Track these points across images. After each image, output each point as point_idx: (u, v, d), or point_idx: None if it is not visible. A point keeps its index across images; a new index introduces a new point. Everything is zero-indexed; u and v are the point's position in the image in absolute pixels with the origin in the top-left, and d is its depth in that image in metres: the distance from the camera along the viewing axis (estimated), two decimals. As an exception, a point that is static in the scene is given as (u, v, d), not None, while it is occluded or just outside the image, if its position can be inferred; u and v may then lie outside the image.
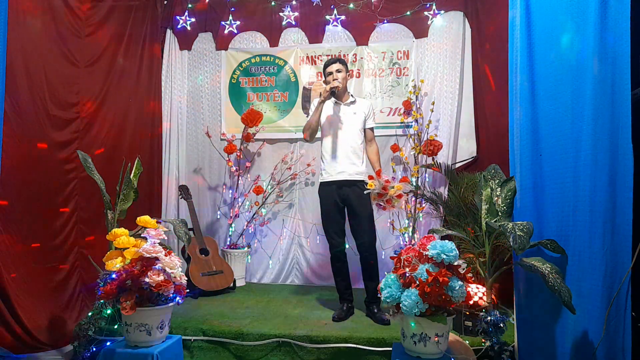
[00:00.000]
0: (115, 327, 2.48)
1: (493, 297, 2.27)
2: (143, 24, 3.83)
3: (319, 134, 2.98)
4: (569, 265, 1.91)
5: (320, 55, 4.07)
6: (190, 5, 4.20)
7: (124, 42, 3.57)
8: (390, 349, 2.25)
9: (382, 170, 2.86)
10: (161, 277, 2.12)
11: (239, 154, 4.04)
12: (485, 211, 2.22)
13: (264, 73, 4.18)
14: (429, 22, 3.90)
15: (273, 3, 4.13)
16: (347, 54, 4.02)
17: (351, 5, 4.00)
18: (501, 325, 2.05)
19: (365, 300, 2.86)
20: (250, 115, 3.91)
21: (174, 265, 2.24)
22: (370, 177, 2.73)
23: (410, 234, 3.67)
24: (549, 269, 1.85)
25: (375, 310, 2.74)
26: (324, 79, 3.00)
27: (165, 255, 2.23)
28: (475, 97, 3.77)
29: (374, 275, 2.81)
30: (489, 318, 2.06)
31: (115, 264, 2.22)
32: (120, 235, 2.27)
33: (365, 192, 2.74)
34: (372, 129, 3.00)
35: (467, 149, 3.77)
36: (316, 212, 3.20)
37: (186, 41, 4.25)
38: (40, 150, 2.72)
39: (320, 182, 2.93)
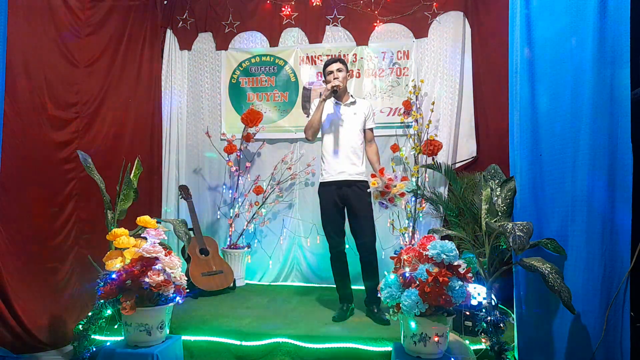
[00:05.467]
0: (115, 327, 2.48)
1: (493, 297, 2.27)
2: (143, 24, 3.83)
3: (319, 134, 2.98)
4: (568, 265, 1.91)
5: (320, 55, 4.07)
6: (190, 6, 4.21)
7: (124, 42, 3.57)
8: (390, 349, 2.25)
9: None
10: (161, 277, 2.13)
11: (239, 154, 4.05)
12: (485, 211, 2.22)
13: (264, 73, 4.18)
14: (429, 22, 3.90)
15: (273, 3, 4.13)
16: (347, 54, 4.02)
17: (351, 6, 4.00)
18: (501, 325, 2.05)
19: (365, 300, 2.86)
20: (250, 115, 3.90)
21: (174, 265, 2.25)
22: (373, 176, 2.74)
23: (410, 234, 3.67)
24: (548, 269, 1.85)
25: (375, 310, 2.74)
26: (323, 78, 3.00)
27: (165, 255, 2.24)
28: (475, 97, 3.77)
29: (374, 275, 2.81)
30: (489, 318, 2.06)
31: (115, 264, 2.23)
32: (120, 235, 2.27)
33: (367, 190, 2.75)
34: (371, 129, 3.00)
35: (467, 149, 3.77)
36: (316, 212, 3.21)
37: (186, 41, 4.25)
38: (40, 150, 2.72)
39: (320, 182, 2.93)
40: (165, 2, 4.20)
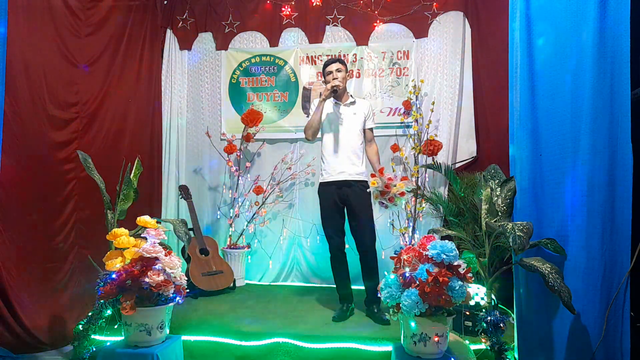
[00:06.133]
0: (115, 327, 2.48)
1: (493, 297, 2.27)
2: (143, 24, 3.83)
3: (319, 134, 2.98)
4: (568, 265, 1.92)
5: (320, 55, 4.07)
6: (190, 6, 4.21)
7: (124, 42, 3.57)
8: (390, 349, 2.25)
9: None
10: (161, 277, 2.13)
11: (238, 154, 4.05)
12: (485, 211, 2.22)
13: (264, 73, 4.18)
14: (429, 22, 3.90)
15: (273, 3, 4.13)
16: (347, 54, 4.02)
17: (351, 6, 4.00)
18: (501, 325, 2.05)
19: (365, 300, 2.86)
20: (250, 115, 3.90)
21: (174, 265, 2.25)
22: (373, 175, 2.74)
23: (410, 234, 3.67)
24: (548, 269, 1.85)
25: (375, 310, 2.74)
26: (323, 79, 3.00)
27: (165, 255, 2.24)
28: (475, 97, 3.77)
29: (374, 275, 2.81)
30: (489, 318, 2.06)
31: (115, 264, 2.23)
32: (120, 235, 2.27)
33: (367, 190, 2.75)
34: (371, 129, 3.00)
35: (467, 149, 3.77)
36: (316, 212, 3.21)
37: (186, 41, 4.25)
38: (40, 150, 2.72)
39: (320, 182, 2.93)
40: (165, 2, 4.20)
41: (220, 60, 4.23)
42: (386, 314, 2.58)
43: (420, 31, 3.92)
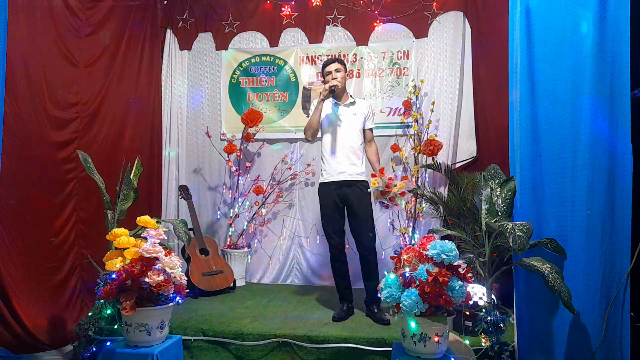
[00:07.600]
0: (115, 327, 2.48)
1: (493, 297, 2.27)
2: (143, 24, 3.83)
3: (319, 134, 2.98)
4: (568, 265, 1.91)
5: (320, 55, 4.07)
6: (190, 6, 4.21)
7: (124, 42, 3.57)
8: (390, 349, 2.25)
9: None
10: (161, 277, 2.12)
11: (239, 154, 4.05)
12: (485, 211, 2.21)
13: (264, 73, 4.18)
14: (429, 22, 3.90)
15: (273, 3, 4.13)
16: (347, 54, 4.02)
17: (351, 6, 4.00)
18: (501, 325, 2.05)
19: (365, 300, 2.86)
20: (250, 115, 3.91)
21: (174, 265, 2.24)
22: (373, 175, 2.74)
23: (410, 234, 3.67)
24: (548, 269, 1.85)
25: (375, 310, 2.74)
26: (322, 79, 3.00)
27: (165, 255, 2.24)
28: (475, 97, 3.77)
29: (374, 275, 2.81)
30: (489, 318, 2.06)
31: (115, 264, 2.22)
32: (120, 235, 2.27)
33: (368, 190, 2.75)
34: (371, 129, 3.00)
35: (467, 149, 3.77)
36: (316, 212, 3.21)
37: (186, 41, 4.26)
38: (40, 150, 2.72)
39: (320, 182, 2.93)
40: (165, 2, 4.20)
41: (220, 60, 4.23)
42: (386, 314, 2.58)
43: (420, 31, 3.92)
